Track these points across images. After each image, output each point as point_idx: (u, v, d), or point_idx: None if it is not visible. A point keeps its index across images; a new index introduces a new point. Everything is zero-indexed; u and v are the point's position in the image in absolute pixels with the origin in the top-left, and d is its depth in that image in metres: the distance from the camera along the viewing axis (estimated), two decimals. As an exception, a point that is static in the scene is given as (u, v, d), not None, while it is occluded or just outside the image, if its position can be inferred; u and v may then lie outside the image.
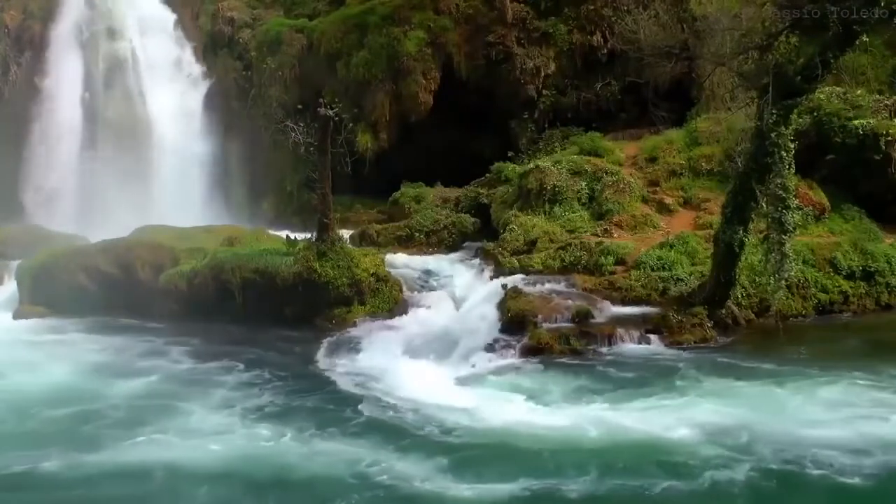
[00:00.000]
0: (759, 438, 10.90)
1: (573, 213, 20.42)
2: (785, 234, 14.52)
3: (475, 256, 20.27)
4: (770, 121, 14.12)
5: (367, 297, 17.75)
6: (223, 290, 18.11)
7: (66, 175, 28.13)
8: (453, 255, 20.95)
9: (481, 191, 23.49)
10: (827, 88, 19.75)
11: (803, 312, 16.95)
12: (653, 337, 15.47)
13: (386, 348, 15.47)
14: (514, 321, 15.68)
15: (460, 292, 18.22)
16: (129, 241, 20.07)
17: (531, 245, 19.27)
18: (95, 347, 16.32)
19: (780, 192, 14.46)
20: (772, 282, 15.16)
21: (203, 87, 29.87)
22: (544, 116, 26.69)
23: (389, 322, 17.18)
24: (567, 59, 26.75)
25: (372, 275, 17.90)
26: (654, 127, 24.61)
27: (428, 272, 19.69)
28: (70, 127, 28.56)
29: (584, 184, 20.95)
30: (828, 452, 10.40)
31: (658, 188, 20.96)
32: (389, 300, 17.90)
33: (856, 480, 9.78)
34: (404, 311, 17.57)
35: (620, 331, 15.52)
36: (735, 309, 16.10)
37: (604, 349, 15.15)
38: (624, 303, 16.69)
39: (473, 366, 14.57)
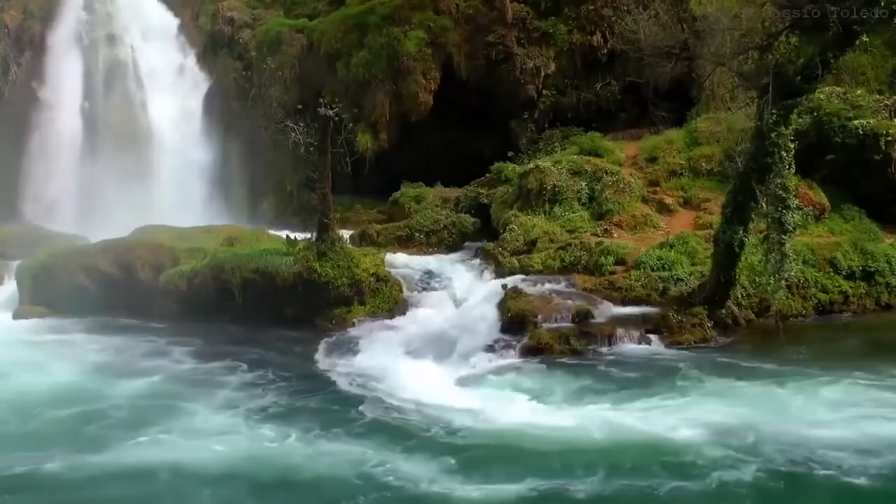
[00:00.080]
0: (763, 439, 10.89)
1: (573, 213, 20.43)
2: (785, 234, 14.54)
3: (475, 256, 20.27)
4: (770, 121, 14.13)
5: (367, 298, 17.77)
6: (223, 290, 18.12)
7: (65, 184, 27.97)
8: (453, 255, 20.95)
9: (481, 191, 23.48)
10: (827, 88, 19.76)
11: (803, 312, 16.97)
12: (653, 337, 15.48)
13: (386, 348, 15.47)
14: (514, 321, 15.68)
15: (460, 292, 18.21)
16: (129, 241, 20.07)
17: (531, 245, 19.28)
18: (96, 347, 16.32)
19: (780, 192, 14.48)
20: (772, 282, 15.17)
21: (203, 87, 29.81)
22: (544, 116, 26.67)
23: (389, 322, 17.21)
24: (567, 59, 26.73)
25: (372, 275, 17.91)
26: (654, 127, 24.59)
27: (428, 272, 19.67)
28: (70, 137, 28.41)
29: (584, 184, 20.96)
30: (833, 453, 10.39)
31: (658, 188, 20.97)
32: (389, 300, 17.92)
33: (862, 480, 9.78)
34: (404, 312, 17.60)
35: (620, 331, 15.52)
36: (735, 309, 16.11)
37: (604, 349, 15.16)
38: (624, 303, 16.70)
39: (474, 366, 14.57)
